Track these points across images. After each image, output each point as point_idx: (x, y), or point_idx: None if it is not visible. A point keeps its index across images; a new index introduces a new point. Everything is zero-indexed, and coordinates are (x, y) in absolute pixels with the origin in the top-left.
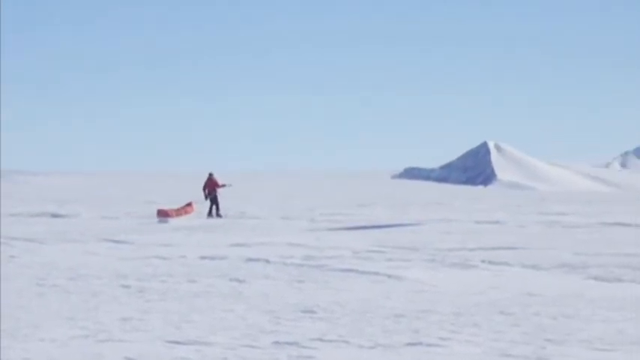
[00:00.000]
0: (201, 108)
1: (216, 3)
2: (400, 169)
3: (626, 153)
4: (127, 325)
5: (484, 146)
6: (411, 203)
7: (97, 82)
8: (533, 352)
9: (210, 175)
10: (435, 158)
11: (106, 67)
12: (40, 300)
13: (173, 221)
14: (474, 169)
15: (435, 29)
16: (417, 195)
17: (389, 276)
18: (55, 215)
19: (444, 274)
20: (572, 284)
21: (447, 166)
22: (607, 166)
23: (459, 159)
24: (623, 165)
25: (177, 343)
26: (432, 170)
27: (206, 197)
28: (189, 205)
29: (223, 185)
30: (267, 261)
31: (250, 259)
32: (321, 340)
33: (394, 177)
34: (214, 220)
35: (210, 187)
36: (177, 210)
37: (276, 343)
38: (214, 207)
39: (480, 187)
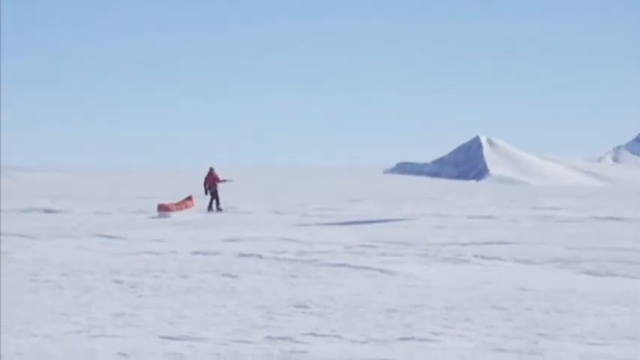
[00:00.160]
0: (195, 106)
1: (212, 3)
2: (392, 163)
3: (619, 147)
4: (119, 321)
5: (476, 141)
6: (403, 198)
7: (93, 80)
8: (526, 347)
9: (211, 169)
10: (427, 153)
11: (103, 65)
12: (33, 295)
13: (174, 215)
14: (466, 163)
15: (427, 27)
16: (409, 190)
17: (381, 271)
18: (47, 211)
19: (437, 269)
20: (565, 279)
21: (440, 161)
22: (599, 160)
23: (451, 154)
24: (616, 159)
25: (170, 338)
26: (425, 165)
27: (206, 192)
28: (189, 199)
29: (224, 180)
30: (260, 256)
31: (243, 255)
32: (313, 334)
33: (387, 172)
34: (207, 215)
35: (211, 182)
36: (178, 204)
37: (269, 338)
38: (214, 201)
39: (473, 182)
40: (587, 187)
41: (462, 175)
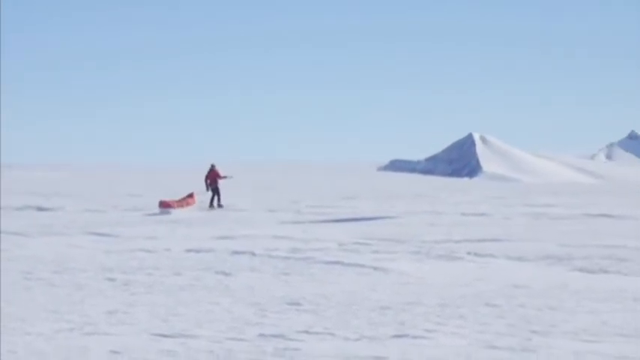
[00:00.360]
0: (190, 104)
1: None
2: (386, 161)
3: (612, 144)
4: (112, 318)
5: (469, 138)
6: (396, 195)
7: (89, 78)
8: (519, 344)
9: (212, 166)
10: (420, 150)
11: (100, 63)
12: (26, 293)
13: (175, 212)
14: (459, 161)
15: (420, 25)
16: (402, 187)
17: (375, 268)
18: (40, 208)
19: (430, 266)
20: (558, 276)
21: (433, 158)
22: (592, 157)
23: (444, 151)
24: (609, 157)
25: (163, 336)
26: (418, 162)
27: (208, 188)
28: (190, 196)
29: (225, 177)
30: (253, 254)
31: (236, 252)
32: (307, 332)
33: (380, 169)
34: (203, 213)
35: (212, 179)
36: (179, 201)
37: (262, 335)
38: (216, 198)
39: (466, 179)
40: (579, 184)
41: (455, 173)
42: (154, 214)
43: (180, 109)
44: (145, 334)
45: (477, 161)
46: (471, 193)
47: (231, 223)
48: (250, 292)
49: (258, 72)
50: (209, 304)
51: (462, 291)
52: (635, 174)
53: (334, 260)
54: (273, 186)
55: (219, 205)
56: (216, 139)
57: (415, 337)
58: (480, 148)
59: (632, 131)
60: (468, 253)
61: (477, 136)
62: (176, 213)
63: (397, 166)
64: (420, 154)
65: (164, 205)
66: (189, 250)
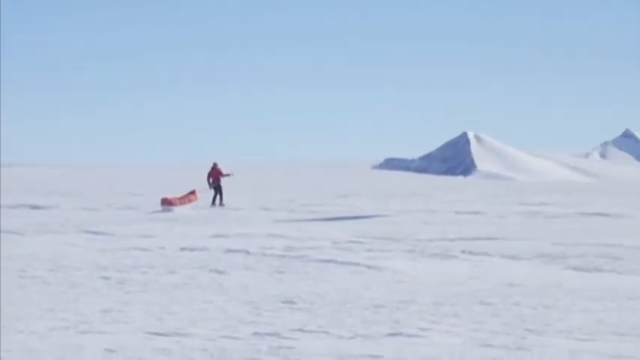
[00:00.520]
0: (188, 103)
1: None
2: (380, 159)
3: (606, 143)
4: (107, 317)
5: (464, 137)
6: (391, 194)
7: (89, 77)
8: (514, 343)
9: (215, 164)
10: (415, 149)
11: (96, 61)
12: (21, 292)
13: (177, 209)
14: (453, 159)
15: (415, 24)
16: (397, 185)
17: (369, 266)
18: (34, 207)
19: (424, 265)
20: (552, 274)
21: (427, 157)
22: (586, 156)
23: (438, 149)
24: (603, 155)
25: (158, 334)
26: (412, 161)
27: (210, 186)
28: (192, 193)
29: (227, 175)
30: (247, 252)
31: (230, 250)
32: (301, 330)
33: (374, 168)
34: (197, 211)
35: (215, 177)
36: (181, 198)
37: (256, 334)
38: (218, 196)
39: (460, 178)
40: (574, 182)
41: (450, 171)
42: (150, 213)
43: (180, 108)
44: (140, 332)
45: (472, 160)
46: (466, 191)
47: (226, 222)
48: (244, 290)
49: (255, 72)
50: (203, 302)
51: (457, 289)
52: (629, 172)
53: (328, 259)
54: (268, 185)
55: (221, 204)
56: (214, 138)
57: (409, 336)
58: (474, 146)
59: (627, 130)
60: (463, 252)
61: (471, 135)
62: (177, 210)
63: (392, 164)
64: (414, 153)
65: (166, 203)
66: (183, 249)
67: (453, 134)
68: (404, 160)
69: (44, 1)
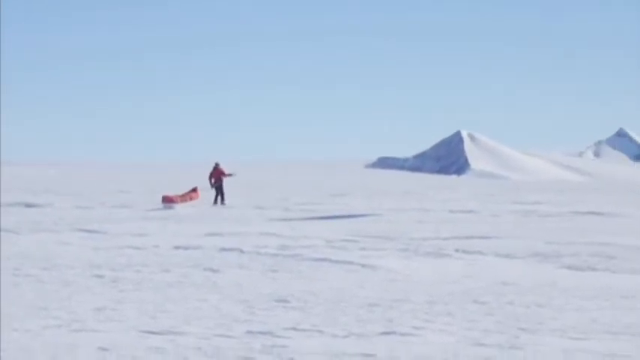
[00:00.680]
0: (181, 102)
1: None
2: (374, 158)
3: (599, 142)
4: (100, 315)
5: (457, 135)
6: (384, 193)
7: (89, 76)
8: (507, 341)
9: (217, 164)
10: (408, 148)
11: (99, 61)
12: (14, 290)
13: (178, 207)
14: (447, 158)
15: (409, 22)
16: (390, 184)
17: (363, 265)
18: (28, 205)
19: (418, 264)
20: (546, 273)
21: (421, 156)
22: (580, 155)
23: (432, 148)
24: (597, 154)
25: (152, 332)
26: (406, 160)
27: (212, 186)
28: (194, 191)
29: (229, 175)
30: (241, 251)
31: (224, 249)
32: (294, 329)
33: (368, 166)
34: (189, 210)
35: (217, 176)
36: (183, 196)
37: (250, 332)
38: (220, 195)
39: (454, 177)
40: (567, 181)
41: (443, 170)
42: (144, 211)
43: (176, 108)
44: (133, 330)
45: (465, 159)
46: (459, 190)
47: (220, 220)
48: (238, 289)
49: (249, 72)
50: (197, 300)
51: (450, 288)
52: (623, 171)
53: (322, 257)
54: (261, 184)
55: (223, 203)
56: (207, 138)
57: (403, 335)
58: (468, 145)
59: (621, 129)
60: (456, 251)
61: (465, 134)
62: (178, 208)
63: (385, 163)
64: (408, 152)
65: (167, 200)
66: (177, 247)
67: (446, 133)
68: (397, 159)
69: (44, 1)
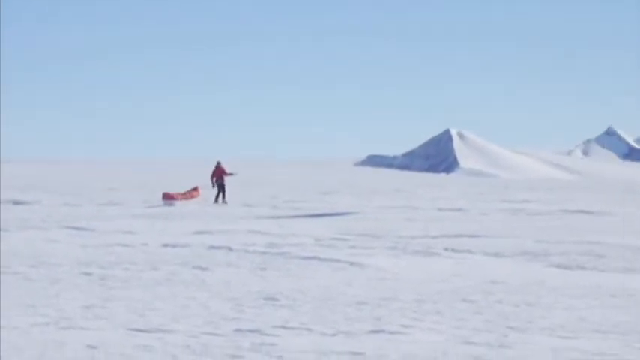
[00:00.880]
0: (175, 101)
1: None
2: (363, 156)
3: (588, 141)
4: (88, 313)
5: (447, 134)
6: (373, 191)
7: (88, 75)
8: (496, 340)
9: (218, 163)
10: (397, 146)
11: (98, 59)
12: (2, 287)
13: (179, 205)
14: (436, 156)
15: (397, 21)
16: (379, 182)
17: (351, 263)
18: (16, 202)
19: (407, 262)
20: (535, 272)
21: (410, 154)
22: (569, 153)
23: (421, 147)
24: (585, 153)
25: (140, 330)
26: (395, 158)
27: (213, 185)
28: (194, 189)
29: (230, 174)
30: (230, 248)
31: (213, 247)
32: (283, 327)
33: (357, 165)
34: (178, 208)
35: (218, 175)
36: (184, 194)
37: (239, 330)
38: (221, 194)
39: (443, 175)
40: (556, 180)
41: (432, 168)
42: (133, 209)
43: (169, 106)
44: (122, 328)
45: (455, 157)
46: (448, 188)
47: (209, 218)
48: (227, 286)
49: (240, 72)
50: (185, 298)
51: (439, 286)
52: (611, 170)
53: (311, 255)
54: (250, 182)
55: (224, 202)
56: (200, 137)
57: (392, 333)
58: (457, 143)
59: (609, 127)
60: (445, 249)
61: (454, 132)
62: (178, 205)
63: (374, 161)
64: (397, 150)
65: (167, 198)
66: (166, 245)
67: (435, 131)
68: (387, 158)
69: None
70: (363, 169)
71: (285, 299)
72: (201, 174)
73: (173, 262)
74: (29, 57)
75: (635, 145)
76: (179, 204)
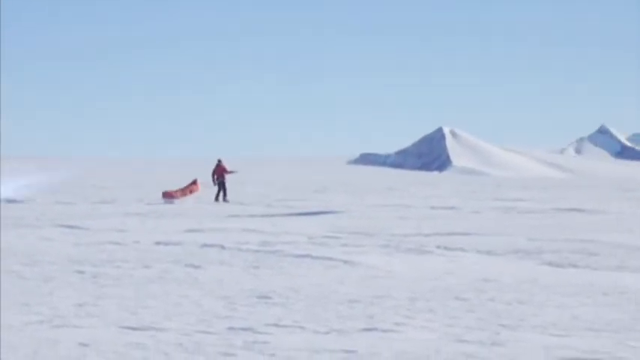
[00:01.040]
0: (159, 97)
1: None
2: (356, 154)
3: (581, 139)
4: (81, 311)
5: (439, 132)
6: (366, 189)
7: (85, 73)
8: (488, 338)
9: (219, 161)
10: (390, 144)
11: (97, 57)
12: None
13: (179, 201)
14: (429, 154)
15: (389, 18)
16: (372, 181)
17: (344, 261)
18: (9, 200)
19: (399, 260)
20: (527, 270)
21: (403, 152)
22: (562, 152)
23: (414, 145)
24: (578, 151)
25: (132, 328)
26: (388, 156)
27: (215, 182)
28: (194, 183)
29: (232, 172)
30: (222, 247)
31: (205, 245)
32: (276, 325)
33: (350, 163)
34: (170, 206)
35: (219, 173)
36: (183, 190)
37: (231, 328)
38: (222, 192)
39: (436, 173)
40: (549, 178)
41: (425, 166)
42: (126, 207)
43: (163, 105)
44: (114, 326)
45: (447, 155)
46: (441, 186)
47: (201, 216)
48: (219, 285)
49: (231, 69)
50: (178, 296)
51: (432, 285)
52: (604, 168)
53: (304, 253)
54: (243, 180)
55: (225, 200)
56: (187, 134)
57: (384, 331)
58: (449, 142)
59: (602, 125)
60: (438, 247)
61: (447, 130)
62: (180, 202)
63: (367, 159)
64: (390, 148)
65: (167, 196)
66: (158, 243)
67: (428, 129)
68: (379, 156)
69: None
70: (355, 168)
71: (278, 297)
72: (197, 174)
73: (165, 260)
74: (29, 57)
75: (628, 143)
76: (179, 201)
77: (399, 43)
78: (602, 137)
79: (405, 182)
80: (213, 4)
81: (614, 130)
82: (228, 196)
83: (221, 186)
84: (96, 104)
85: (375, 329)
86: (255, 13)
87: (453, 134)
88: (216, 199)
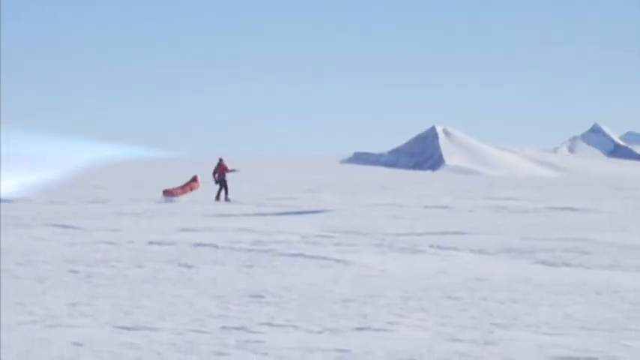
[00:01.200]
0: (159, 97)
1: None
2: (349, 154)
3: (574, 138)
4: (75, 311)
5: (432, 131)
6: (359, 188)
7: (85, 72)
8: (481, 337)
9: (220, 160)
10: (383, 143)
11: (94, 56)
12: None
13: (180, 199)
14: (422, 154)
15: (383, 18)
16: (365, 180)
17: (337, 261)
18: (3, 200)
19: (392, 259)
20: (520, 269)
21: (396, 151)
22: (555, 150)
23: (407, 144)
24: (571, 150)
25: (126, 328)
26: (381, 155)
27: (216, 181)
28: (194, 180)
29: (232, 170)
30: (216, 246)
31: (198, 244)
32: (269, 324)
33: (343, 162)
34: (163, 205)
35: (220, 172)
36: (183, 187)
37: (225, 328)
38: (223, 191)
39: (429, 172)
40: (542, 177)
41: (418, 165)
42: (120, 206)
43: (165, 106)
44: (108, 326)
45: (440, 154)
46: (434, 185)
47: (194, 216)
48: (213, 284)
49: (222, 68)
50: (171, 296)
51: (425, 284)
52: (597, 167)
53: (297, 253)
54: (235, 179)
55: (227, 199)
56: (180, 132)
57: (377, 330)
58: (442, 141)
59: (595, 124)
60: (431, 246)
61: (440, 129)
62: (181, 200)
63: (361, 158)
64: (383, 147)
65: (167, 194)
66: (151, 243)
67: (421, 128)
68: (373, 155)
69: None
70: (349, 167)
71: (271, 297)
72: (197, 173)
73: (159, 259)
74: (29, 57)
75: (621, 142)
76: (178, 199)
77: (393, 43)
78: (595, 136)
79: (399, 181)
80: (213, 4)
81: (607, 129)
82: (230, 195)
83: (222, 185)
84: (96, 104)
85: (369, 328)
86: (255, 13)
87: (446, 133)
88: (217, 198)
